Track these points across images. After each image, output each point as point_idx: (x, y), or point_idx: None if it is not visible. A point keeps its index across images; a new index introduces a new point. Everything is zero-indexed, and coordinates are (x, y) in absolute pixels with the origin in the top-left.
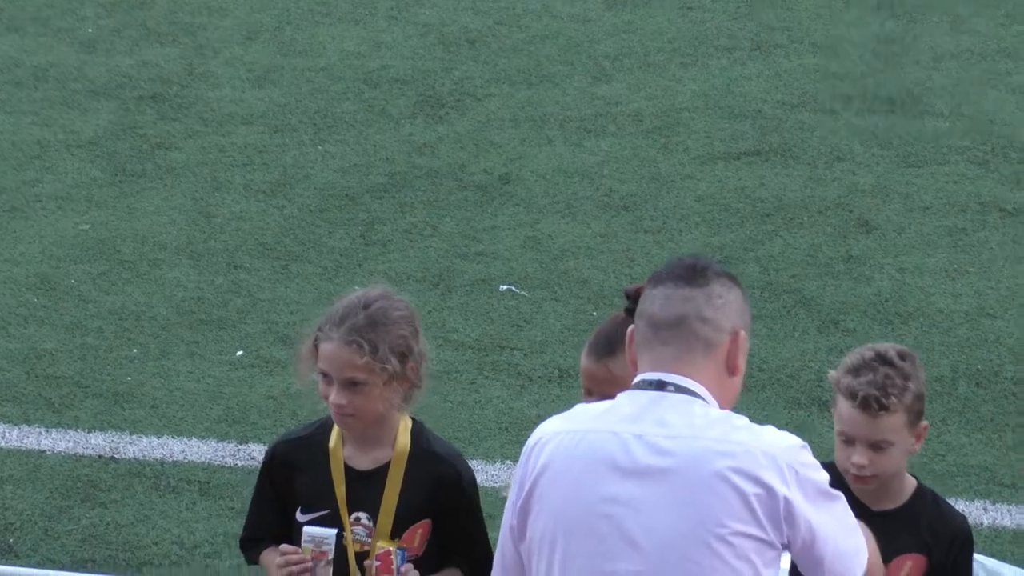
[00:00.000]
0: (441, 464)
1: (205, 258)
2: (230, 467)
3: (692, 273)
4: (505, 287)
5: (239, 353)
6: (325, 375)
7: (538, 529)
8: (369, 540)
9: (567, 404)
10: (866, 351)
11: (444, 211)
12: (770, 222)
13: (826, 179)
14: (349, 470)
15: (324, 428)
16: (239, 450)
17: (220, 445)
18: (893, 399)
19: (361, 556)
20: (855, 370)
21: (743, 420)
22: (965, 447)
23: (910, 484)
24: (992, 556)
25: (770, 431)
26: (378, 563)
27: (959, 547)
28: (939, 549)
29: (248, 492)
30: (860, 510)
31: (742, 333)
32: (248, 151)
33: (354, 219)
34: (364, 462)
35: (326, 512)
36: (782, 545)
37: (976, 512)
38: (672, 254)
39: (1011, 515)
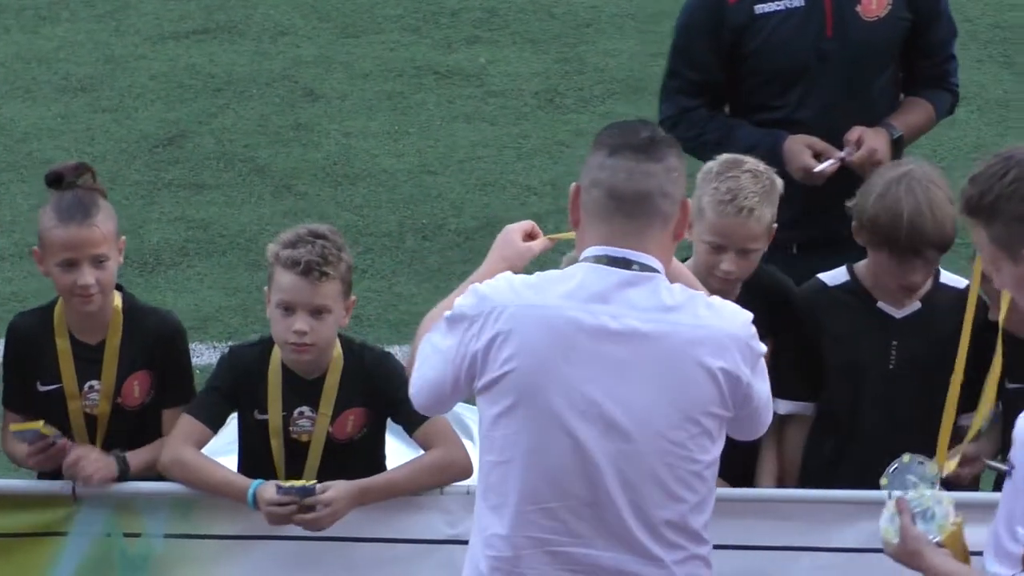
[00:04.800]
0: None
1: None
2: None
3: (650, 145)
4: None
5: None
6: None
7: (509, 395)
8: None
9: (40, 280)
10: (300, 228)
11: None
12: (221, 96)
13: (271, 53)
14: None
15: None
16: None
17: None
18: (331, 267)
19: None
20: (292, 244)
21: (702, 297)
22: (416, 296)
23: (338, 352)
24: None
25: (728, 308)
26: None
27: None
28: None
29: None
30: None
31: (689, 200)
32: None
33: None
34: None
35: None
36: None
37: None
38: (130, 132)
39: None
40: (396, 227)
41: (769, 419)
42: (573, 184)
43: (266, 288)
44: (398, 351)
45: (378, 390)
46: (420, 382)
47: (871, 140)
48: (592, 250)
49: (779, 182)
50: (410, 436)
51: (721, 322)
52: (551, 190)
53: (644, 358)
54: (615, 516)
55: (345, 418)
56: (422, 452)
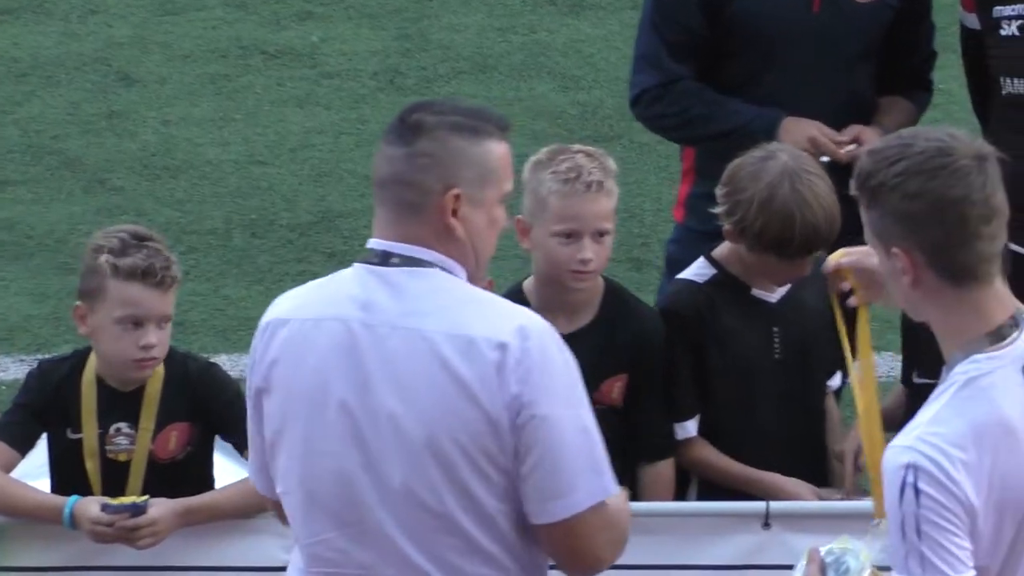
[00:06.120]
0: None
1: None
2: None
3: (402, 128)
4: None
5: None
6: None
7: (276, 421)
8: None
9: None
10: (119, 232)
11: None
12: (27, 82)
13: (81, 34)
14: None
15: None
16: None
17: None
18: (174, 270)
19: None
20: (122, 251)
21: (475, 297)
22: (245, 300)
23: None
24: None
25: (498, 310)
26: None
27: None
28: None
29: None
30: None
31: (456, 190)
32: None
33: None
34: None
35: None
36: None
37: None
38: None
39: None
40: (222, 223)
41: (580, 476)
42: None
43: (80, 303)
44: (225, 360)
45: (203, 404)
46: (250, 459)
47: (870, 138)
48: (369, 242)
49: (612, 162)
50: (241, 456)
51: (478, 324)
52: None
53: (392, 368)
54: (390, 543)
55: (167, 435)
56: None
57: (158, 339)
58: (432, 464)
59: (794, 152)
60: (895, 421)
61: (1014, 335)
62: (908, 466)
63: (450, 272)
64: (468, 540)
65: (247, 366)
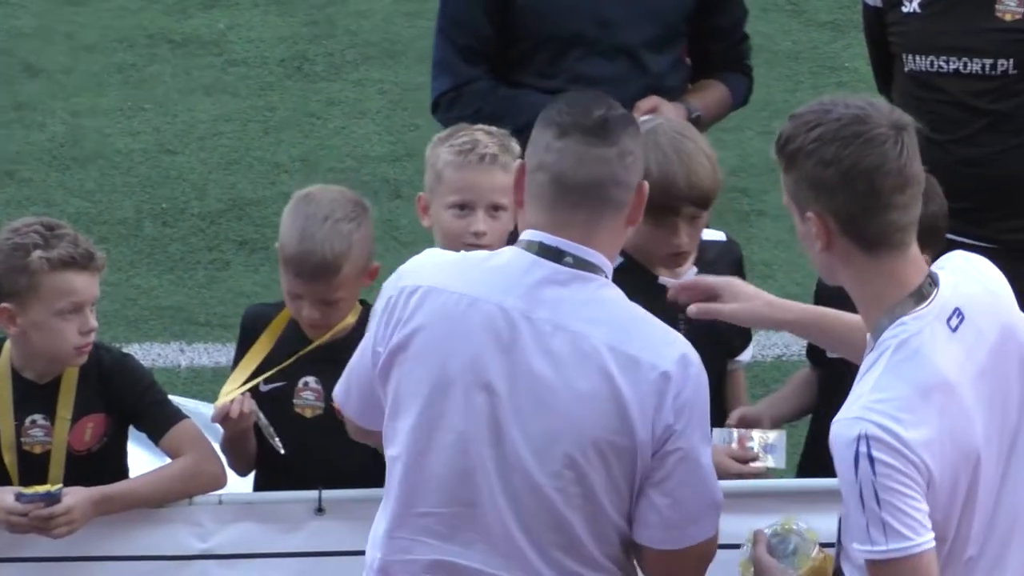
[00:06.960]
0: None
1: None
2: None
3: (603, 129)
4: None
5: None
6: None
7: (409, 384)
8: None
9: None
10: (31, 228)
11: None
12: None
13: None
14: None
15: None
16: None
17: None
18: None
19: None
20: (45, 243)
21: (638, 318)
22: (156, 289)
23: None
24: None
25: (660, 335)
26: None
27: None
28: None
29: None
30: None
31: (645, 183)
32: None
33: None
34: None
35: None
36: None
37: (173, 354)
38: None
39: (208, 354)
40: (133, 213)
41: (703, 511)
42: (518, 161)
43: (6, 304)
44: (137, 350)
45: (118, 395)
46: (346, 383)
47: (668, 112)
48: (528, 234)
49: (516, 145)
50: (156, 444)
51: (643, 345)
52: (302, 167)
53: (551, 366)
54: (502, 529)
55: (83, 426)
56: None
57: (95, 322)
58: (566, 465)
59: (673, 122)
60: (805, 405)
61: (934, 292)
62: (860, 437)
63: (608, 278)
64: (577, 542)
65: (380, 321)
